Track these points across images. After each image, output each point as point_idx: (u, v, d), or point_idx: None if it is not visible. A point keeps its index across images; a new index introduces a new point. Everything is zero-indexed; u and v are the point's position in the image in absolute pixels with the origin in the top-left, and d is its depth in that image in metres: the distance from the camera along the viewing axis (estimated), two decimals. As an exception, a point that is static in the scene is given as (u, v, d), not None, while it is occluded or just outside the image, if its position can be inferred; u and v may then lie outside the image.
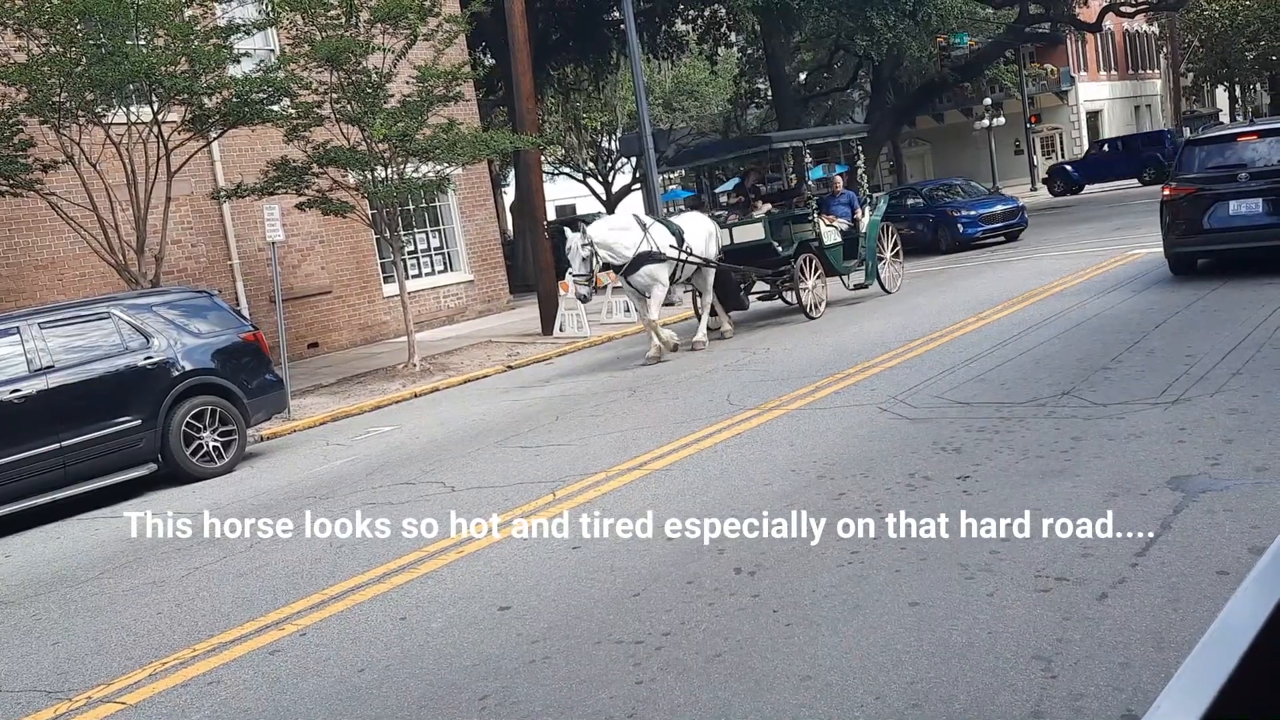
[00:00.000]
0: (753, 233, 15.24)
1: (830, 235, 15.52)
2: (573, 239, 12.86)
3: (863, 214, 16.29)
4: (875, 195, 18.79)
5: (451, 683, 4.34)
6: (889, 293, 16.24)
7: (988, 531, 5.15)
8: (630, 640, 4.48)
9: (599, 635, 4.59)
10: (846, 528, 5.54)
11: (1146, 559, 4.54)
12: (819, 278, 15.12)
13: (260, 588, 6.10)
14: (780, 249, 15.08)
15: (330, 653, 4.88)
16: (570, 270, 13.10)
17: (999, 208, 23.95)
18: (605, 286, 18.76)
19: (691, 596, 4.90)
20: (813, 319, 14.58)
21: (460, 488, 7.92)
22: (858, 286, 16.31)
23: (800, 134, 18.88)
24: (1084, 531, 4.94)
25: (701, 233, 14.12)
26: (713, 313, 14.61)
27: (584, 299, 13.21)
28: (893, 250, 16.97)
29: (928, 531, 5.30)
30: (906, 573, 4.80)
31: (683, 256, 13.57)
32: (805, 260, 14.95)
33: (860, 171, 17.76)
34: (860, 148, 17.90)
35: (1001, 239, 23.71)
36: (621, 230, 13.35)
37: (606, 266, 13.38)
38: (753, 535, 5.67)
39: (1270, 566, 1.50)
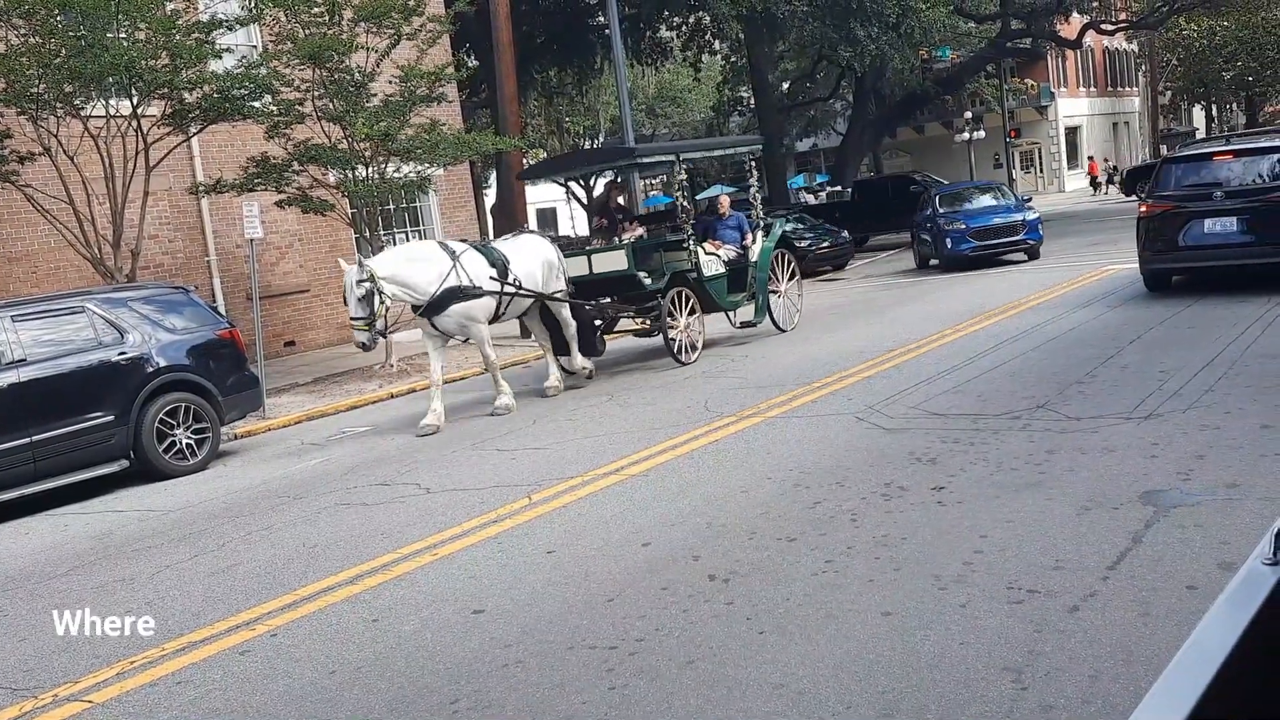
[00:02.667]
0: (614, 261, 12.71)
1: (711, 265, 13.37)
2: (348, 274, 10.30)
3: (754, 240, 14.21)
4: (773, 217, 16.71)
5: (423, 685, 4.32)
6: (783, 331, 14.31)
7: (961, 543, 5.18)
8: (604, 646, 4.47)
9: (572, 640, 4.58)
10: (821, 536, 5.56)
11: (1117, 572, 4.57)
12: (695, 315, 13.00)
13: (231, 587, 6.05)
14: (648, 280, 12.70)
15: (301, 654, 4.84)
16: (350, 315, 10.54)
17: (996, 220, 20.38)
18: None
19: (665, 603, 4.89)
20: (684, 364, 12.41)
21: (436, 489, 7.89)
22: (744, 324, 14.22)
23: (676, 146, 16.56)
24: (1056, 544, 4.98)
25: (534, 261, 11.69)
26: (566, 351, 12.51)
27: (365, 348, 10.57)
28: (790, 280, 15.00)
29: (902, 541, 5.33)
30: (880, 582, 4.82)
31: (506, 290, 11.22)
32: (677, 295, 12.73)
33: (754, 190, 15.70)
34: (754, 162, 15.87)
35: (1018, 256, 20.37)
36: (420, 261, 10.78)
37: (419, 309, 10.87)
38: (728, 542, 5.68)
39: (1241, 586, 1.53)
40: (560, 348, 12.48)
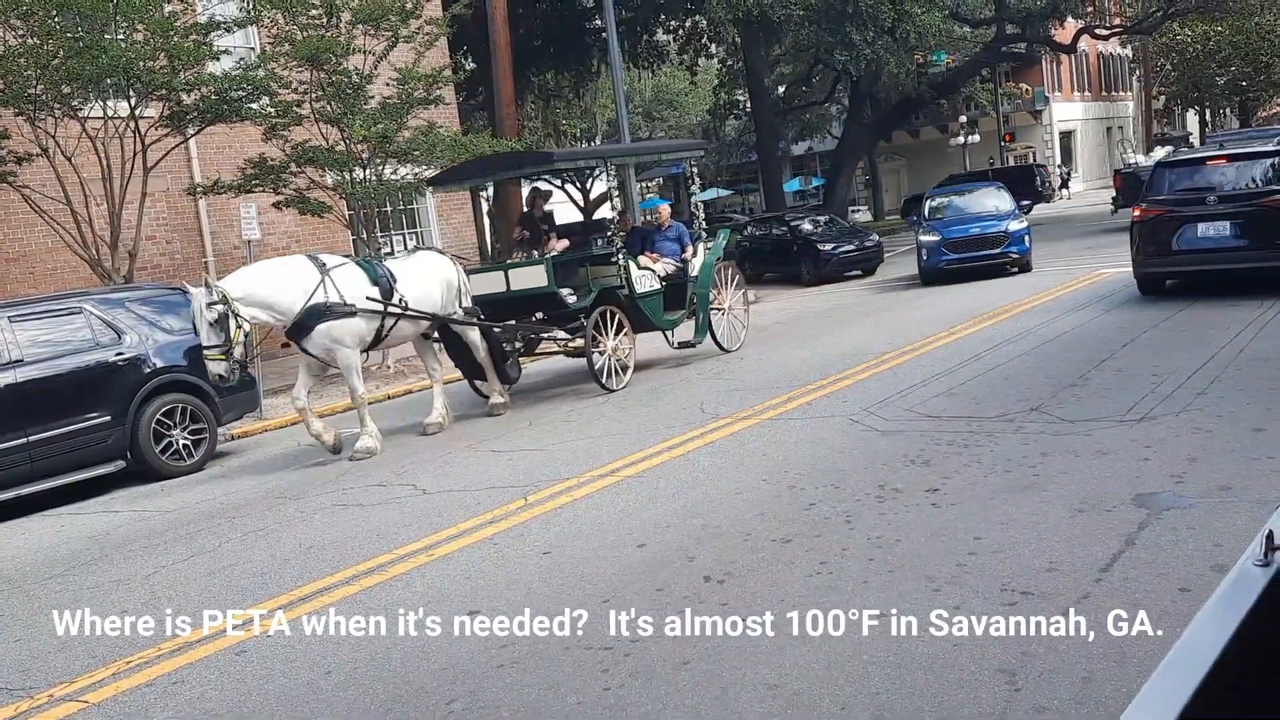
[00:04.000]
0: (532, 277, 11.49)
1: (645, 280, 12.26)
2: (195, 297, 9.03)
3: (694, 253, 13.17)
4: (716, 227, 15.55)
5: (419, 686, 4.34)
6: (726, 351, 13.24)
7: (955, 544, 5.21)
8: (599, 646, 4.49)
9: (568, 640, 4.60)
10: (816, 538, 5.59)
11: (1110, 575, 4.60)
12: (625, 335, 11.83)
13: (228, 587, 6.06)
14: (572, 299, 11.63)
15: (297, 654, 4.86)
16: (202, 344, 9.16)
17: (976, 231, 18.81)
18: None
19: (661, 604, 4.91)
20: (610, 390, 11.28)
21: (432, 490, 7.90)
22: (682, 345, 13.08)
23: (603, 151, 15.20)
24: (1049, 546, 5.01)
25: (429, 279, 10.60)
26: (482, 377, 11.54)
27: (222, 380, 9.15)
28: (737, 294, 13.97)
29: (896, 543, 5.36)
30: (874, 584, 4.84)
31: (390, 310, 10.05)
32: (604, 314, 11.58)
33: (695, 199, 14.70)
34: (695, 169, 14.73)
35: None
36: (281, 277, 9.57)
37: (292, 335, 9.71)
38: (723, 544, 5.70)
39: (1232, 587, 1.55)
40: (475, 372, 11.64)
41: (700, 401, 10.16)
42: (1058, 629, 4.11)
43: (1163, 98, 61.32)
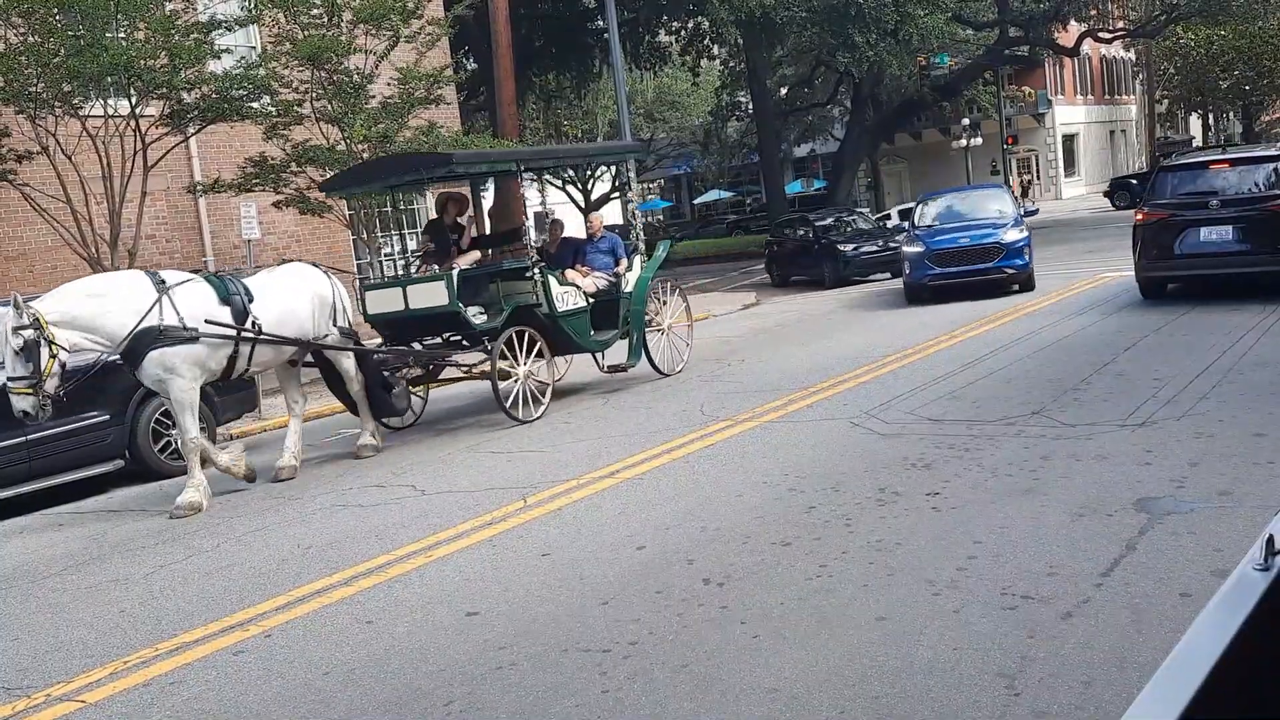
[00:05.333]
0: (432, 295, 10.22)
1: (568, 297, 11.07)
2: (2, 320, 7.90)
3: (629, 266, 12.07)
4: (657, 239, 14.50)
5: (417, 687, 4.32)
6: (664, 375, 12.02)
7: (955, 548, 5.19)
8: (597, 649, 4.47)
9: (566, 643, 4.58)
10: (816, 541, 5.57)
11: (1111, 579, 4.58)
12: (542, 359, 10.75)
13: (226, 588, 6.05)
14: (480, 318, 10.40)
15: (295, 655, 4.84)
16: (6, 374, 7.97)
17: (965, 241, 16.27)
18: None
19: (660, 606, 4.90)
20: (521, 422, 10.12)
21: (431, 491, 7.89)
22: (613, 369, 12.01)
23: (517, 154, 13.29)
24: (1050, 550, 5.00)
25: (294, 297, 9.33)
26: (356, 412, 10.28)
27: (29, 417, 7.93)
28: (678, 313, 12.83)
29: (896, 546, 5.34)
30: (874, 587, 4.82)
31: (244, 335, 8.77)
32: (516, 335, 10.39)
33: (632, 207, 13.51)
34: (631, 174, 13.43)
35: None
36: (109, 297, 8.27)
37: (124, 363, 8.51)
38: (722, 546, 5.68)
39: (1233, 591, 1.54)
40: (351, 407, 10.33)
41: (700, 404, 10.14)
42: (1058, 633, 4.09)
43: (1166, 101, 61.32)
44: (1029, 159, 53.14)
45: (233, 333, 8.69)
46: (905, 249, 17.01)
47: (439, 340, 10.98)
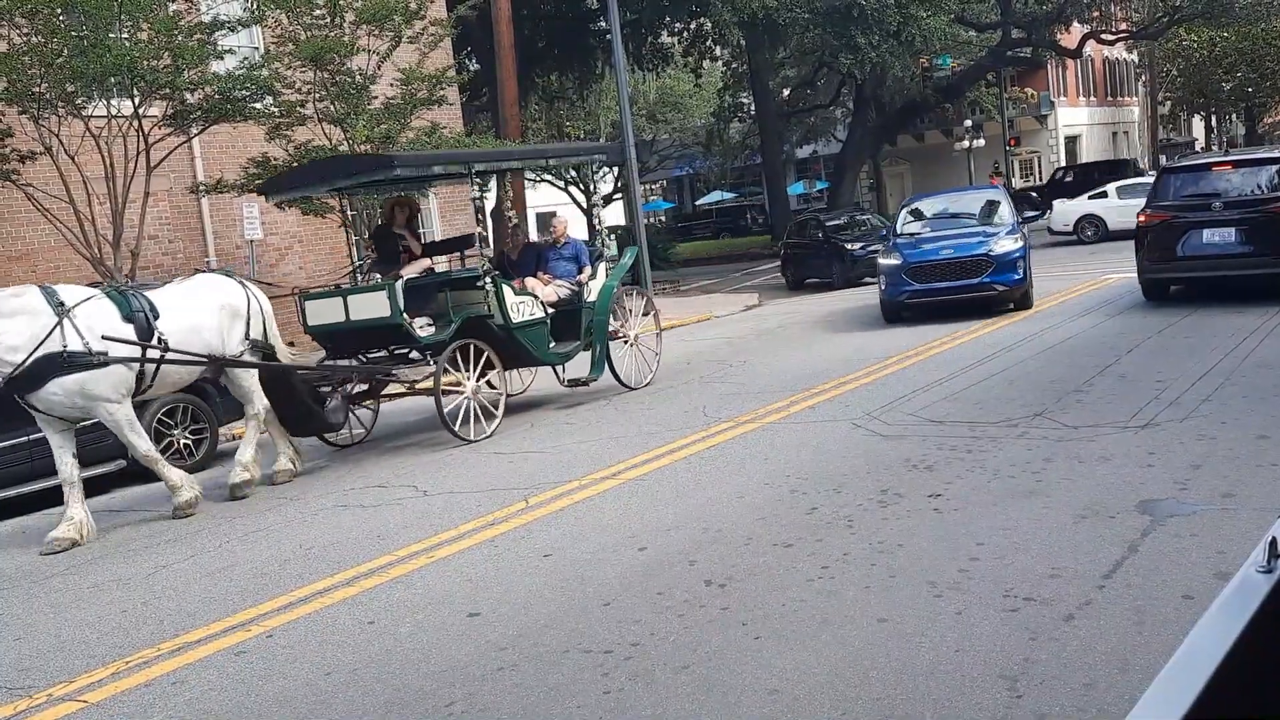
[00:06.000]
0: (374, 305, 9.61)
1: (524, 307, 10.44)
2: None
3: (593, 274, 11.45)
4: (624, 245, 13.73)
5: (418, 688, 4.32)
6: (630, 388, 11.42)
7: (957, 550, 5.19)
8: (599, 650, 4.47)
9: (567, 644, 4.58)
10: (818, 542, 5.57)
11: (1113, 581, 4.58)
12: (493, 373, 10.09)
13: (228, 588, 6.05)
14: (428, 330, 9.89)
15: (297, 655, 4.84)
16: None
17: (948, 253, 14.18)
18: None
19: (661, 607, 4.90)
20: (468, 441, 9.52)
21: (433, 492, 7.89)
22: (573, 383, 11.47)
23: (469, 155, 12.37)
24: (1052, 552, 4.99)
25: (202, 310, 8.65)
26: (291, 430, 9.59)
27: None
28: (645, 322, 12.24)
29: (898, 548, 5.34)
30: (876, 589, 4.82)
31: (150, 354, 8.12)
32: (463, 349, 9.79)
33: (596, 211, 12.88)
34: (595, 177, 12.89)
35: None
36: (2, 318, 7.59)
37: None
38: (724, 548, 5.68)
39: (1236, 593, 1.54)
40: (296, 422, 9.60)
41: (702, 405, 10.13)
42: (1060, 635, 4.09)
43: (1168, 103, 61.31)
44: (1031, 160, 53.13)
45: (137, 351, 8.06)
46: (880, 261, 14.82)
47: (385, 354, 10.39)
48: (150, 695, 4.58)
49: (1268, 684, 1.47)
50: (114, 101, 13.37)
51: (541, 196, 53.40)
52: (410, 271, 10.44)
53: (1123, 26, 44.59)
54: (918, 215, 16.00)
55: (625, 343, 11.76)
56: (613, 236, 20.09)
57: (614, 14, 20.13)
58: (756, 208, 57.19)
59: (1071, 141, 54.76)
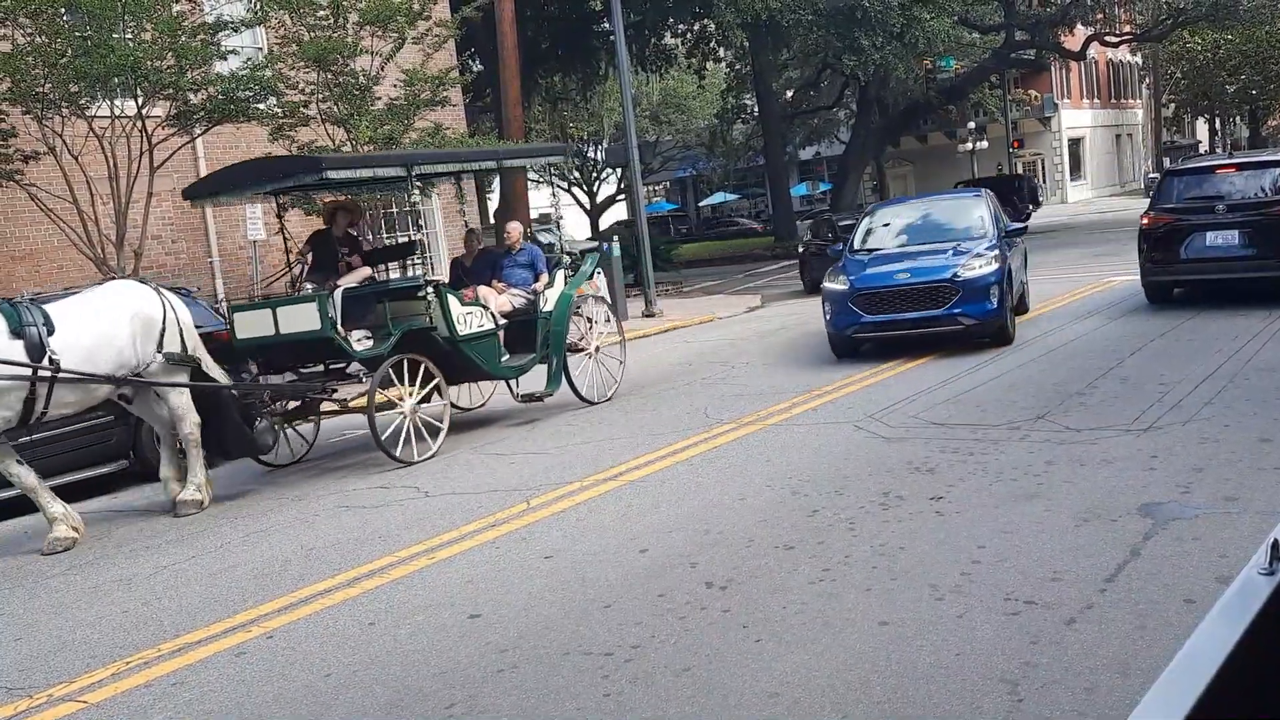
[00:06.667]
0: (304, 318, 8.91)
1: (471, 319, 9.83)
2: None
3: (550, 282, 10.80)
4: (585, 251, 13.12)
5: (418, 689, 4.32)
6: (590, 404, 10.85)
7: (959, 553, 5.18)
8: (599, 652, 4.47)
9: (568, 646, 4.58)
10: (819, 545, 5.56)
11: (1115, 585, 4.57)
12: (430, 389, 9.37)
13: (229, 588, 6.05)
14: (365, 344, 9.21)
15: (297, 656, 4.84)
16: None
17: (903, 277, 11.45)
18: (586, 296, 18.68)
19: (662, 610, 4.89)
20: (404, 463, 8.85)
21: (434, 493, 7.89)
22: (527, 398, 10.75)
23: (408, 156, 11.12)
24: (1054, 555, 4.99)
25: (108, 324, 7.91)
26: (223, 454, 9.10)
27: None
28: (607, 332, 11.65)
29: (900, 551, 5.33)
30: (877, 592, 4.81)
31: (41, 374, 7.43)
32: (402, 365, 9.15)
33: (556, 215, 11.75)
34: (555, 178, 11.96)
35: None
36: None
37: None
38: (725, 550, 5.68)
39: (1237, 595, 1.53)
40: (221, 443, 8.89)
41: (704, 407, 10.13)
42: (1061, 639, 4.08)
43: (1172, 105, 61.28)
44: (1035, 162, 53.11)
45: (26, 372, 7.29)
46: (825, 284, 12.16)
47: (321, 369, 9.73)
48: (150, 696, 4.58)
49: (1269, 686, 1.46)
50: (117, 102, 13.38)
51: (546, 197, 53.44)
52: (349, 281, 9.69)
53: (1126, 29, 44.57)
54: (880, 226, 13.53)
55: (586, 355, 11.25)
56: (614, 237, 20.04)
57: (617, 15, 20.12)
58: (741, 212, 57.07)
59: (1075, 144, 54.77)
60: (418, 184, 9.83)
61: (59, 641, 5.46)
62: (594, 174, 48.37)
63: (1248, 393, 7.99)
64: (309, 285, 9.84)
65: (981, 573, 4.90)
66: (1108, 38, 42.28)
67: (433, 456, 9.07)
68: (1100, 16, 40.22)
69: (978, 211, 13.01)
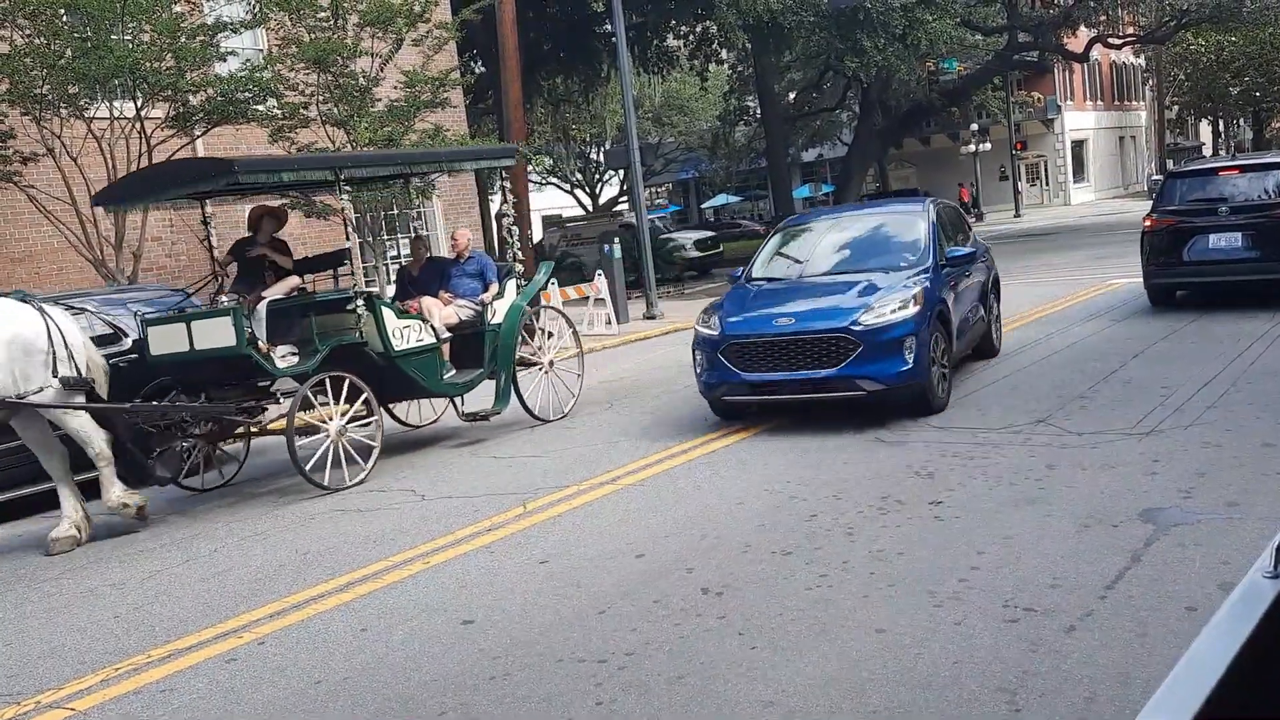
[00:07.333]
0: (217, 333, 8.16)
1: (410, 333, 9.15)
2: None
3: (499, 292, 10.13)
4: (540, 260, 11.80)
5: (409, 697, 4.27)
6: (542, 422, 10.23)
7: (958, 559, 5.12)
8: (593, 659, 4.41)
9: (561, 653, 4.52)
10: (817, 550, 5.51)
11: (1115, 592, 4.51)
12: (365, 409, 8.66)
13: (222, 593, 6.00)
14: (292, 359, 8.60)
15: (288, 662, 4.79)
16: None
17: (784, 321, 8.62)
18: (588, 297, 18.68)
19: (657, 616, 4.84)
20: (327, 490, 8.23)
21: (431, 496, 7.84)
22: (471, 417, 10.08)
23: (333, 159, 10.46)
24: (1054, 562, 4.93)
25: None
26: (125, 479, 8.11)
27: None
28: (562, 345, 11.07)
29: (898, 556, 5.27)
30: (875, 598, 4.76)
31: None
32: (331, 382, 8.43)
33: (509, 222, 11.17)
34: (506, 183, 11.47)
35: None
36: None
37: None
38: (722, 555, 5.62)
39: (1242, 599, 1.53)
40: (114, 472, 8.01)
41: (704, 410, 10.05)
42: (1060, 647, 4.02)
43: (1176, 107, 61.19)
44: (1038, 164, 53.04)
45: None
46: (697, 327, 9.27)
47: (241, 388, 8.96)
48: (139, 703, 4.53)
49: (1274, 689, 1.46)
50: (116, 103, 13.36)
51: (548, 199, 53.45)
52: (275, 292, 9.09)
53: (1130, 30, 44.49)
54: (789, 247, 10.54)
55: (540, 370, 10.64)
56: (615, 239, 20.02)
57: (618, 17, 20.07)
58: (744, 214, 56.96)
59: (1078, 145, 54.68)
60: (346, 189, 9.06)
61: (49, 647, 5.41)
62: (597, 176, 48.36)
63: (1251, 396, 7.92)
64: (223, 298, 9.13)
65: (980, 579, 4.84)
66: (1111, 39, 42.21)
67: (362, 481, 8.44)
68: (1103, 18, 40.14)
69: (913, 230, 9.80)
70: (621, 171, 45.87)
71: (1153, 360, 9.83)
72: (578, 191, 48.87)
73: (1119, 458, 6.62)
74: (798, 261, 10.11)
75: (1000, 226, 39.91)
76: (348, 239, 9.25)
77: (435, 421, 11.00)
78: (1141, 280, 13.30)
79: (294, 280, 9.54)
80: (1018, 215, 44.38)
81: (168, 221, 17.44)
